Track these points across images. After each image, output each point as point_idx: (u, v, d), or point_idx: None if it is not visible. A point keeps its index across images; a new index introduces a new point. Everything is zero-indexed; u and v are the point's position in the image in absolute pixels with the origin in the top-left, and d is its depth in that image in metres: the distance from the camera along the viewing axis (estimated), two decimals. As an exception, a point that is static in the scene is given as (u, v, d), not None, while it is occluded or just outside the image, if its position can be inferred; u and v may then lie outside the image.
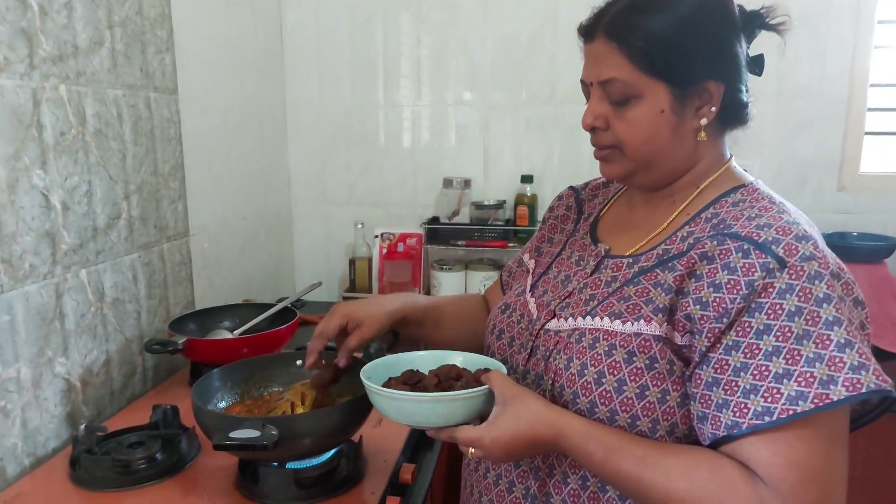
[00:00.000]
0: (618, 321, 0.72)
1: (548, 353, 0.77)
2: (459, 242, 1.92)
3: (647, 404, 0.69)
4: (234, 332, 1.30)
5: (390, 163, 2.01)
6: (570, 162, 1.93)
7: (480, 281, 1.91)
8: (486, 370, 0.76)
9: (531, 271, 0.92)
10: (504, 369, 0.76)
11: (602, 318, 0.74)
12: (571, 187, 0.99)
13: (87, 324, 1.13)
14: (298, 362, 1.04)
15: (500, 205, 1.92)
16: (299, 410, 0.93)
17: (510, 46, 1.89)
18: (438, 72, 1.94)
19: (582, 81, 0.78)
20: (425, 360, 0.83)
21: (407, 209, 2.03)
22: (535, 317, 0.82)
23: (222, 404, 0.96)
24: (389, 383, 0.76)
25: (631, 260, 0.78)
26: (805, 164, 1.83)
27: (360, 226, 1.96)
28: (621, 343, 0.71)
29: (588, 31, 0.76)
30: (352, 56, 1.96)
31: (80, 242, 1.11)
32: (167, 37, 1.35)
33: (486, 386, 0.71)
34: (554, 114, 1.91)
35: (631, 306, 0.73)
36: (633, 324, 0.71)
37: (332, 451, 0.92)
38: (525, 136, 1.95)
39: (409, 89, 1.96)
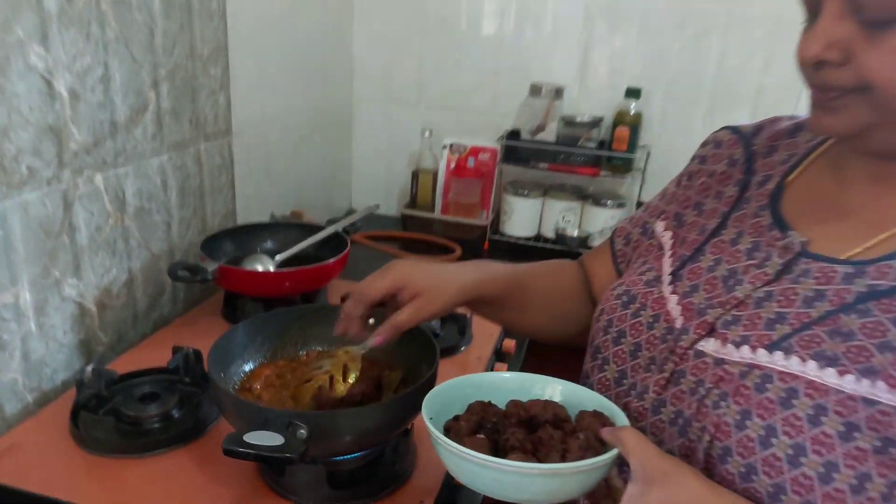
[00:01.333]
0: (831, 370, 0.47)
1: (703, 391, 0.53)
2: (541, 164, 1.63)
3: (866, 501, 0.45)
4: (276, 257, 1.12)
5: (469, 60, 1.70)
6: (692, 77, 1.57)
7: (559, 212, 1.65)
8: (597, 413, 0.54)
9: (669, 250, 0.66)
10: (627, 421, 0.53)
11: (804, 360, 0.49)
12: (734, 129, 0.69)
13: (105, 238, 0.96)
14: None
15: (595, 122, 1.61)
16: (339, 388, 0.74)
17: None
18: (540, -52, 1.57)
19: None
20: (504, 385, 0.60)
21: (483, 117, 1.73)
22: (678, 325, 0.58)
23: (248, 367, 0.79)
24: (456, 427, 0.54)
25: (851, 269, 0.51)
26: None
27: (427, 133, 1.70)
28: (836, 407, 0.46)
29: None
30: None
31: (94, 141, 0.91)
32: None
33: (615, 450, 0.49)
34: (680, 13, 1.53)
35: (854, 349, 0.47)
36: (858, 380, 0.46)
37: (377, 442, 0.74)
38: (637, 38, 1.58)
39: (501, -32, 1.61)
